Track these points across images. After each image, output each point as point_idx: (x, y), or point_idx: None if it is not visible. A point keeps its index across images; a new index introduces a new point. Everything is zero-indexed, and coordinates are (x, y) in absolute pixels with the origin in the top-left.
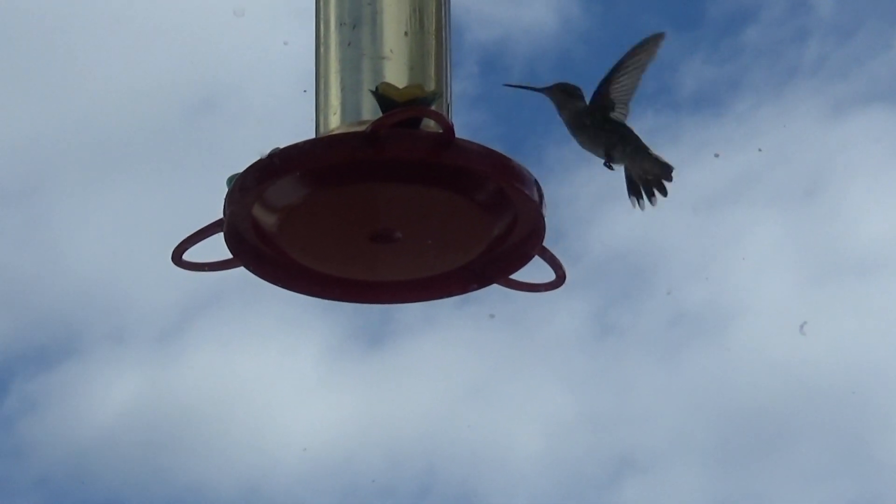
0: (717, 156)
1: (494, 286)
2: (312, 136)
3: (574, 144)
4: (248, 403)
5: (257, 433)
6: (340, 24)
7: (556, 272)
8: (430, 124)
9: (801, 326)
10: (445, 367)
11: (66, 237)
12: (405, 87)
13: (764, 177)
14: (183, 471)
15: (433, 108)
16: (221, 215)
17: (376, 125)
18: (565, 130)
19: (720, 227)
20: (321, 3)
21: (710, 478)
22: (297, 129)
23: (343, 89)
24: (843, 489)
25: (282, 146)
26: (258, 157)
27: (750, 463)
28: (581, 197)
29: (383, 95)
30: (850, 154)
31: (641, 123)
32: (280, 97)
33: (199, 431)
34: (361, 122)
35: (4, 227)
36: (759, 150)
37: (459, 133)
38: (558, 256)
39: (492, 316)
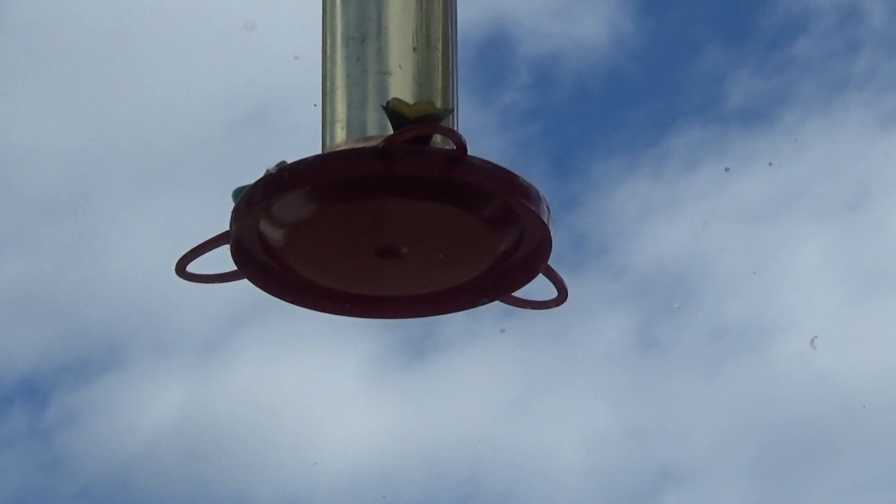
0: (727, 170)
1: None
2: (318, 151)
3: (621, 159)
4: (290, 415)
5: (298, 445)
6: (348, 39)
7: (558, 290)
8: (437, 140)
9: (812, 341)
10: (487, 380)
11: (111, 249)
12: (416, 104)
13: (809, 190)
14: (224, 482)
15: (444, 124)
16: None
17: (389, 141)
18: (612, 145)
19: (764, 241)
20: (327, 18)
21: (751, 491)
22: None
23: (350, 105)
24: (887, 503)
25: (288, 160)
26: (265, 171)
27: (791, 477)
28: (626, 211)
29: (394, 111)
30: None
31: (688, 137)
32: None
33: (240, 443)
34: (366, 138)
35: (49, 239)
36: (770, 163)
37: (487, 150)
38: (563, 275)
39: (502, 331)
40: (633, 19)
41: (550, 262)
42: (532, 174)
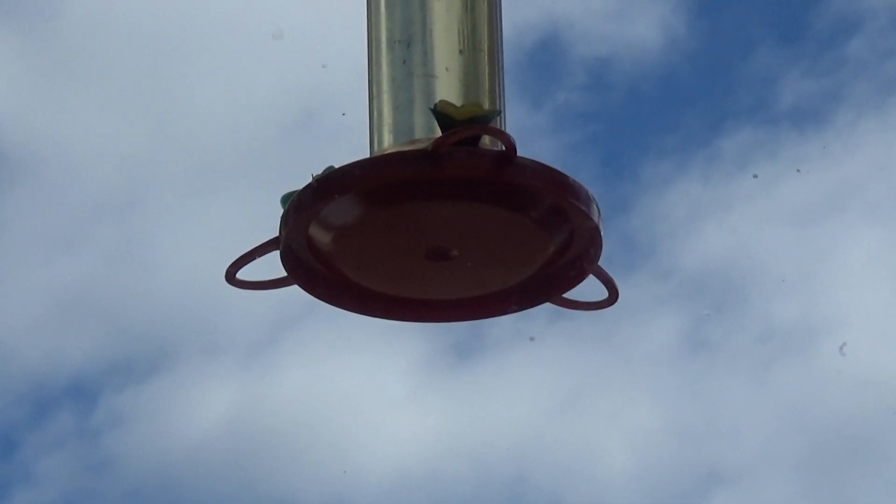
0: (755, 176)
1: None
2: (366, 155)
3: (672, 161)
4: (338, 417)
5: (346, 446)
6: (394, 42)
7: (608, 291)
8: (485, 141)
9: (841, 348)
10: (535, 382)
11: (161, 252)
12: (464, 105)
13: (861, 191)
14: (271, 484)
15: (492, 125)
16: (276, 233)
17: (438, 143)
18: (664, 147)
19: (815, 242)
20: (372, 22)
21: (799, 491)
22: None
23: (396, 108)
24: None
25: (336, 165)
26: (312, 176)
27: (839, 477)
28: (676, 212)
29: (442, 113)
30: None
31: (739, 138)
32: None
33: (288, 445)
34: (413, 141)
35: (101, 241)
36: (798, 170)
37: (539, 151)
38: (612, 275)
39: (532, 339)
40: (686, 21)
41: (600, 263)
42: (583, 175)
